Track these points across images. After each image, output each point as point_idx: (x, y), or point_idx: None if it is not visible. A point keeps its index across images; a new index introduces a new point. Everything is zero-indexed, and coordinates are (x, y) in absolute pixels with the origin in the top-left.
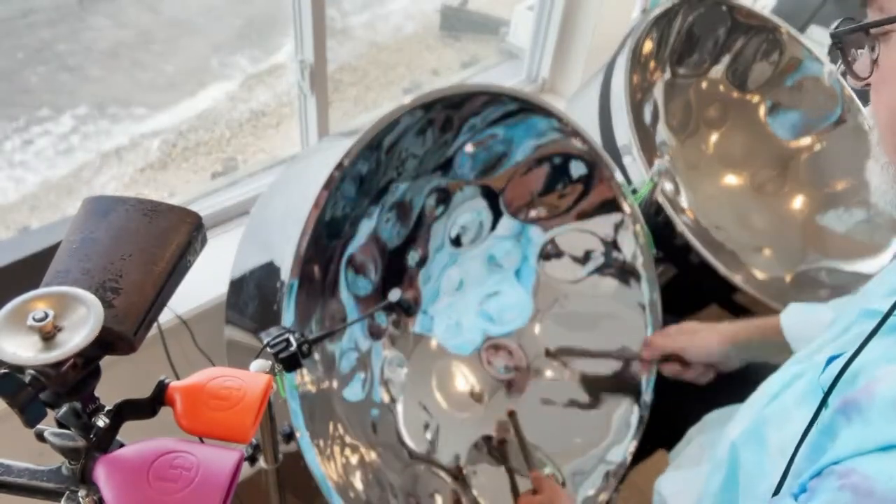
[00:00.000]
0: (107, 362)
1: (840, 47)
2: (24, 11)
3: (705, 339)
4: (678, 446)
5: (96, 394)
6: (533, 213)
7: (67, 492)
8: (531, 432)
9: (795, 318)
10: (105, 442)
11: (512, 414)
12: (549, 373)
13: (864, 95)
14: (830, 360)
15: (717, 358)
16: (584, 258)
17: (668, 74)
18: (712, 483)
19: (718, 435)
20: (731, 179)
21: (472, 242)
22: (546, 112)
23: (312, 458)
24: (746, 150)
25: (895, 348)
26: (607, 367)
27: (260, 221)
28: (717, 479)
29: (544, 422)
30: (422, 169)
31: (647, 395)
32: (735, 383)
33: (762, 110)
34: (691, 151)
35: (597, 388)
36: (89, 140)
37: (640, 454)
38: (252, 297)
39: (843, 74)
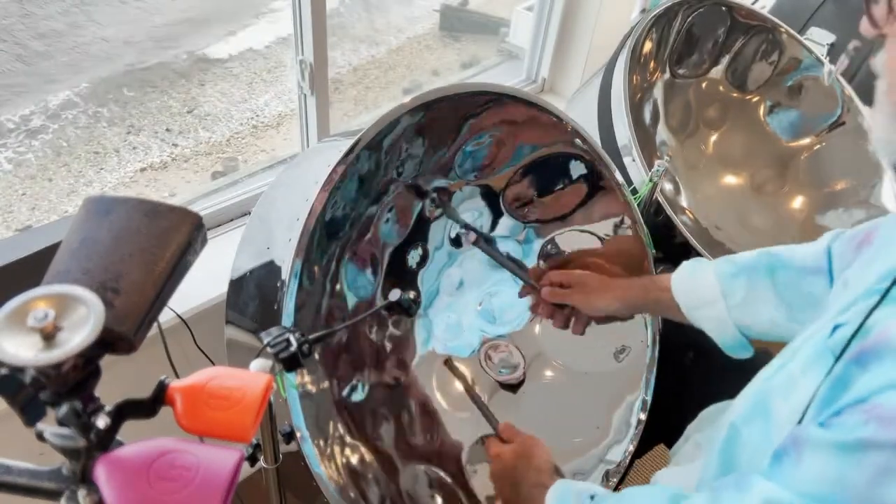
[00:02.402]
0: (107, 362)
1: None
2: None
3: (597, 300)
4: (677, 444)
5: (96, 393)
6: (533, 213)
7: (67, 492)
8: (531, 432)
9: (684, 278)
10: (105, 442)
11: (447, 362)
12: (548, 373)
13: (863, 95)
14: (836, 327)
15: (607, 314)
16: None
17: (667, 74)
18: (709, 469)
19: (714, 429)
20: (731, 179)
21: (472, 242)
22: (546, 112)
23: (314, 458)
24: (746, 150)
25: None
26: (607, 366)
27: (260, 221)
28: (713, 463)
29: (544, 422)
30: (422, 169)
31: (648, 395)
32: (734, 380)
33: (762, 110)
34: (691, 151)
35: (596, 387)
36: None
37: (640, 450)
38: (252, 296)
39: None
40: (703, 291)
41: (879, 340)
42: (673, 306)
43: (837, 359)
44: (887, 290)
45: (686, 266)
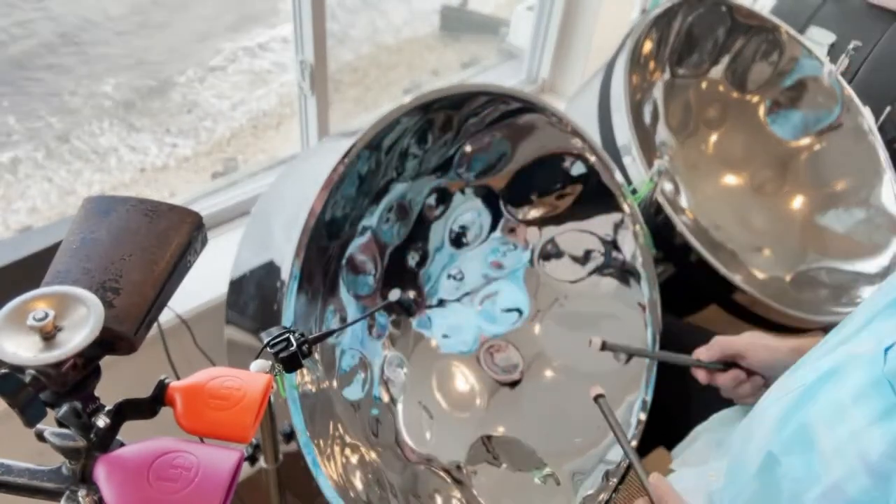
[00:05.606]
0: (107, 362)
1: None
2: None
3: (773, 344)
4: (682, 444)
5: (96, 394)
6: (533, 214)
7: (67, 492)
8: (531, 432)
9: None
10: (105, 442)
11: (599, 397)
12: (548, 372)
13: (863, 95)
14: (887, 349)
15: (783, 363)
16: (584, 258)
17: (667, 75)
18: (737, 485)
19: (727, 433)
20: (731, 179)
21: (471, 242)
22: (546, 112)
23: (314, 458)
24: (746, 150)
25: None
26: (607, 366)
27: (260, 221)
28: (748, 491)
29: (544, 422)
30: (422, 169)
31: (648, 395)
32: None
33: (762, 110)
34: (691, 151)
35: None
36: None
37: (640, 452)
38: (252, 297)
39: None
40: None
41: None
42: None
43: None
44: None
45: None
